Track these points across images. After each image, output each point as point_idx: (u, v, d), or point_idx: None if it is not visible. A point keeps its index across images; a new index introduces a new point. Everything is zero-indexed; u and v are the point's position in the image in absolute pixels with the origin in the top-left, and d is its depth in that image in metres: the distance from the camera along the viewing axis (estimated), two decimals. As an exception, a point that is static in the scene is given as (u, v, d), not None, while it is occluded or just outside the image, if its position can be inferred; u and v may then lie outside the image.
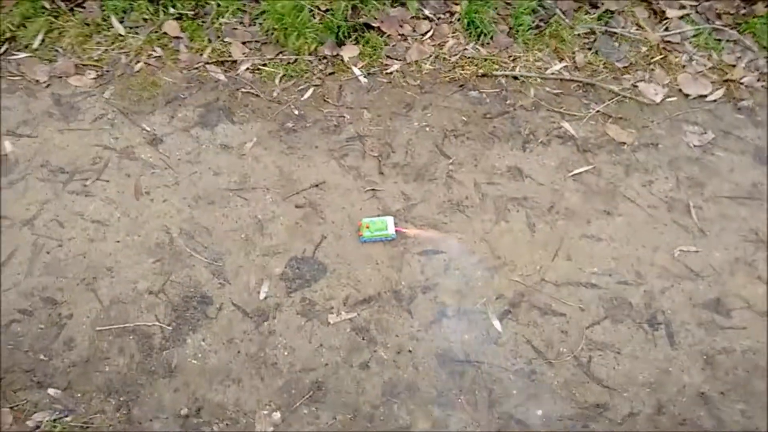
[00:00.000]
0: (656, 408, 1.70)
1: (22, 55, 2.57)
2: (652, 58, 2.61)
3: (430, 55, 2.64)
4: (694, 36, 2.65)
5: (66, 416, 1.70)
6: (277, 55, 2.62)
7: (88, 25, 2.65)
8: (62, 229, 2.07)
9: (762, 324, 1.86)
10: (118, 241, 2.04)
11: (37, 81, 2.49)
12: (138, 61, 2.58)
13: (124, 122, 2.37)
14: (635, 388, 1.74)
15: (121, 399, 1.74)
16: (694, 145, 2.31)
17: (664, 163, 2.26)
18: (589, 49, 2.65)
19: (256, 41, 2.66)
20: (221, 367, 1.79)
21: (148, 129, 2.35)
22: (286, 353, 1.82)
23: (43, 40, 2.60)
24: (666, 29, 2.69)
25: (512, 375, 1.77)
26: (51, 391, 1.74)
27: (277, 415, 1.71)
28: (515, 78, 2.56)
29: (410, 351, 1.82)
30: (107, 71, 2.54)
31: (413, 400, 1.73)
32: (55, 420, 1.69)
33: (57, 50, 2.59)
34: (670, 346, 1.82)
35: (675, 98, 2.48)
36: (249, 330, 1.87)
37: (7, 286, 1.93)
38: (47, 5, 2.66)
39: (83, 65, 2.55)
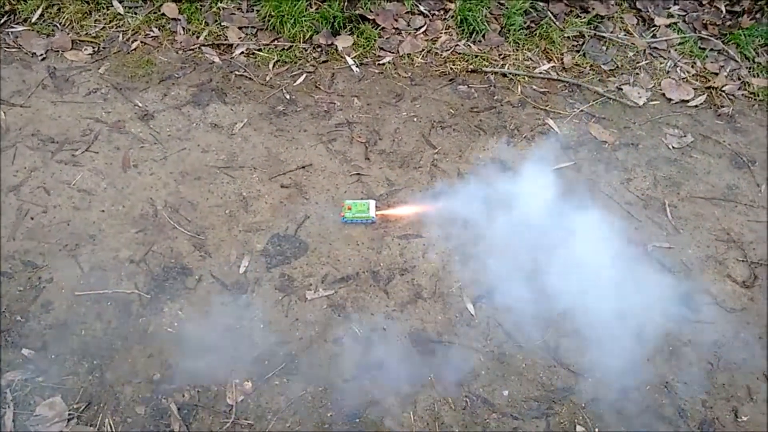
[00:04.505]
0: (621, 393, 1.73)
1: (20, 28, 2.60)
2: (638, 62, 2.67)
3: (423, 49, 2.69)
4: (680, 44, 2.72)
5: (38, 377, 1.72)
6: (273, 41, 2.66)
7: (87, 2, 2.69)
8: (48, 196, 2.09)
9: (729, 319, 1.90)
10: (102, 211, 2.07)
11: (34, 54, 2.52)
12: (135, 40, 2.62)
13: (117, 97, 2.40)
14: (601, 374, 1.77)
15: (95, 362, 1.76)
16: (673, 147, 2.36)
17: (642, 162, 2.31)
18: (578, 51, 2.71)
19: (253, 27, 2.70)
20: (196, 337, 1.81)
21: (140, 105, 2.39)
22: (261, 326, 1.85)
23: (42, 15, 2.64)
24: (653, 36, 2.76)
25: (482, 356, 1.80)
26: (25, 351, 1.75)
27: (248, 385, 1.73)
28: (504, 75, 2.61)
29: (384, 329, 1.85)
30: (104, 48, 2.58)
31: (384, 377, 1.76)
32: (26, 380, 1.71)
33: (55, 25, 2.62)
34: (639, 336, 1.85)
35: (657, 102, 2.54)
36: (226, 302, 1.89)
37: (-10, 248, 1.95)
38: (48, -19, 2.69)
39: (80, 41, 2.59)
